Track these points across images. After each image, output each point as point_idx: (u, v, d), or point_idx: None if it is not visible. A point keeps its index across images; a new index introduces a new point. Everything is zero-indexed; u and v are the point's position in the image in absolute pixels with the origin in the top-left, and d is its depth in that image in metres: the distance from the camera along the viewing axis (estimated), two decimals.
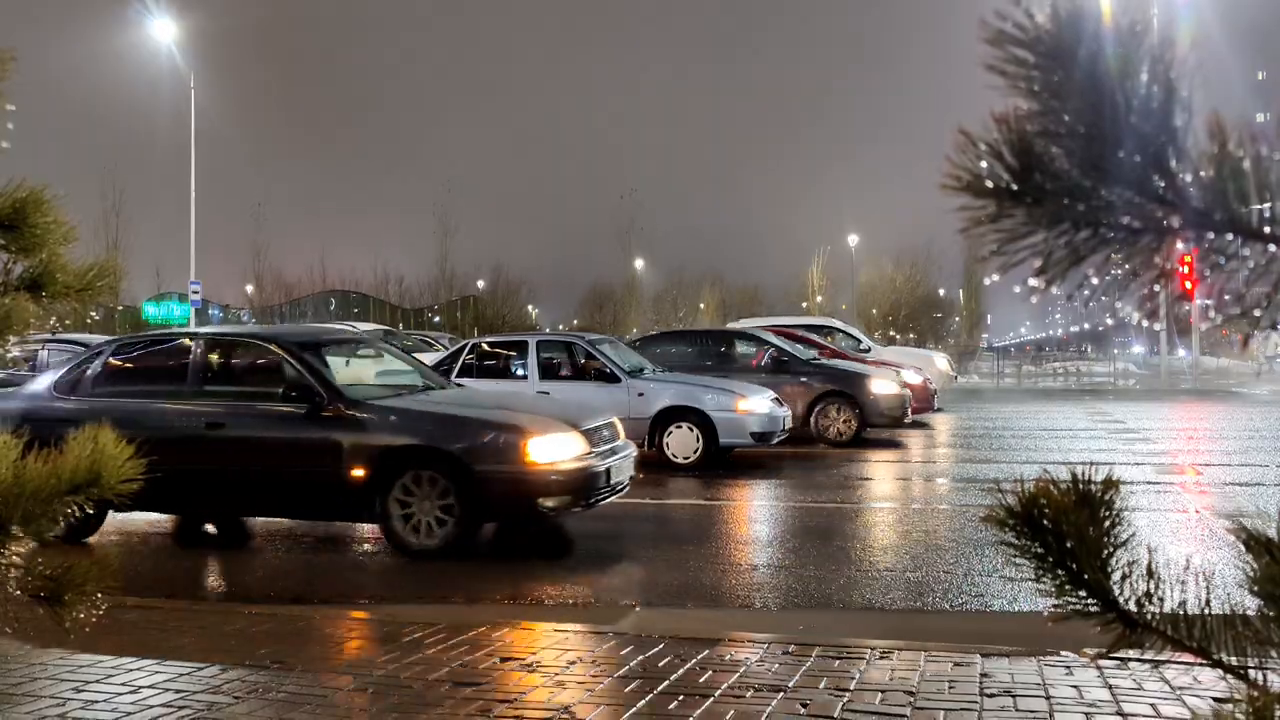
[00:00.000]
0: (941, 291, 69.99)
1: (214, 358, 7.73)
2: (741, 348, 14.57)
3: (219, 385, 7.58)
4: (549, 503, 6.62)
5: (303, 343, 7.50)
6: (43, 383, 7.84)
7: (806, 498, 9.24)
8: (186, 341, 7.84)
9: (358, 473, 6.69)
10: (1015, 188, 0.90)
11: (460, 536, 6.59)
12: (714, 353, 14.46)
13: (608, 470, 6.95)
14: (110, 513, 7.52)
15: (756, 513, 8.86)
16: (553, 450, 6.64)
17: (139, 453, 8.55)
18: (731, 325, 21.21)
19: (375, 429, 6.80)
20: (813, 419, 13.54)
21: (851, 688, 3.68)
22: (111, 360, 7.95)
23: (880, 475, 11.00)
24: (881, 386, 13.77)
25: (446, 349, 16.76)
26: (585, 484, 6.73)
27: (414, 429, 6.78)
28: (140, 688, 3.78)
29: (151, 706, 3.58)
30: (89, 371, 7.74)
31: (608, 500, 7.21)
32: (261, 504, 7.28)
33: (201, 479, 7.03)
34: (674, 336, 16.30)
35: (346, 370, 7.78)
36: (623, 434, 7.77)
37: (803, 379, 13.72)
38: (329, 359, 7.53)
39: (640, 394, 11.37)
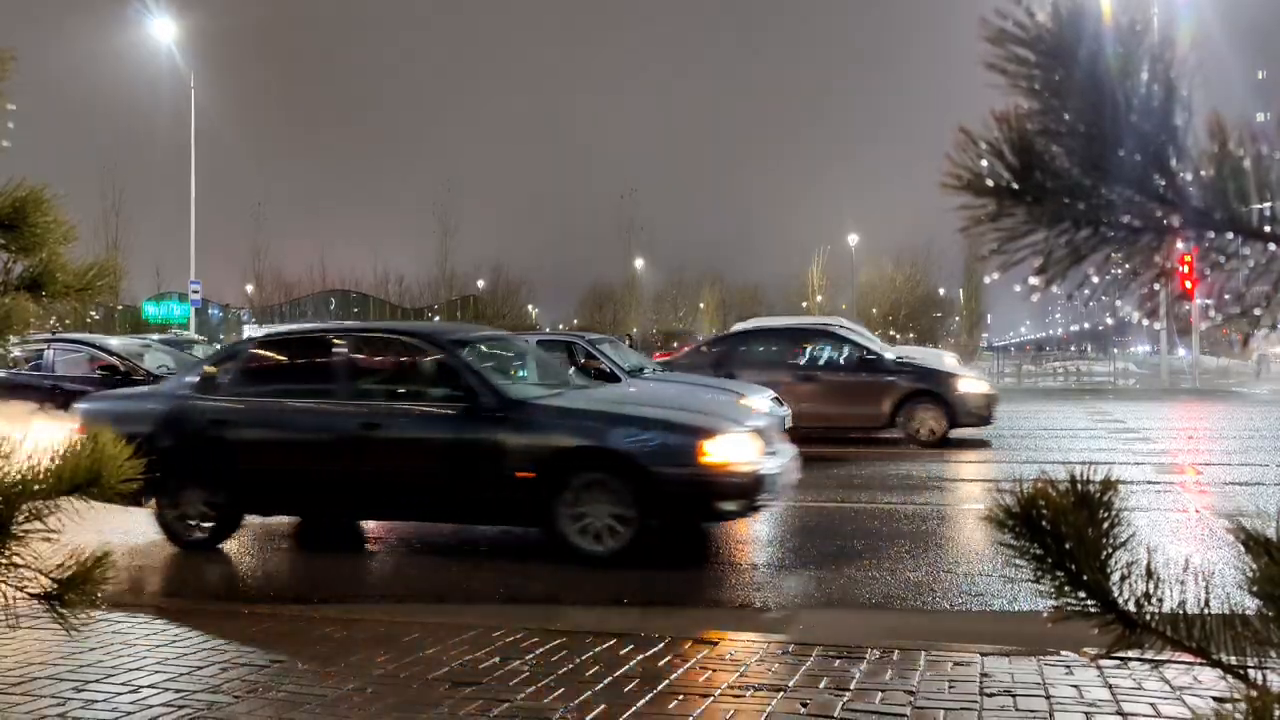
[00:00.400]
0: (941, 291, 69.97)
1: (363, 355, 7.41)
2: (826, 346, 14.28)
3: (370, 384, 7.25)
4: (728, 506, 6.31)
5: (458, 339, 7.17)
6: (182, 381, 7.59)
7: (806, 497, 9.22)
8: (332, 338, 7.55)
9: (525, 475, 6.34)
10: (1016, 186, 0.90)
11: (636, 541, 6.25)
12: (796, 350, 14.15)
13: (779, 472, 6.67)
14: (249, 517, 7.41)
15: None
16: (730, 451, 6.29)
17: (292, 453, 7.47)
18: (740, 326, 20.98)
19: (541, 429, 6.47)
20: (900, 418, 13.24)
21: (851, 687, 3.68)
22: (254, 357, 7.74)
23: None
24: (969, 385, 13.58)
25: None
26: (760, 486, 6.37)
27: (583, 429, 6.45)
28: (140, 687, 3.77)
29: (151, 706, 3.58)
30: (231, 369, 7.48)
31: (774, 504, 6.80)
32: (420, 508, 6.90)
33: (356, 482, 6.76)
34: (755, 335, 15.67)
35: (498, 367, 7.44)
36: (783, 434, 7.29)
37: (889, 377, 13.41)
38: (483, 356, 7.21)
39: None
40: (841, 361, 13.89)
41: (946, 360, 20.56)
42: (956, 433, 13.33)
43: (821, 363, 13.93)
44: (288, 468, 6.95)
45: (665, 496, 6.21)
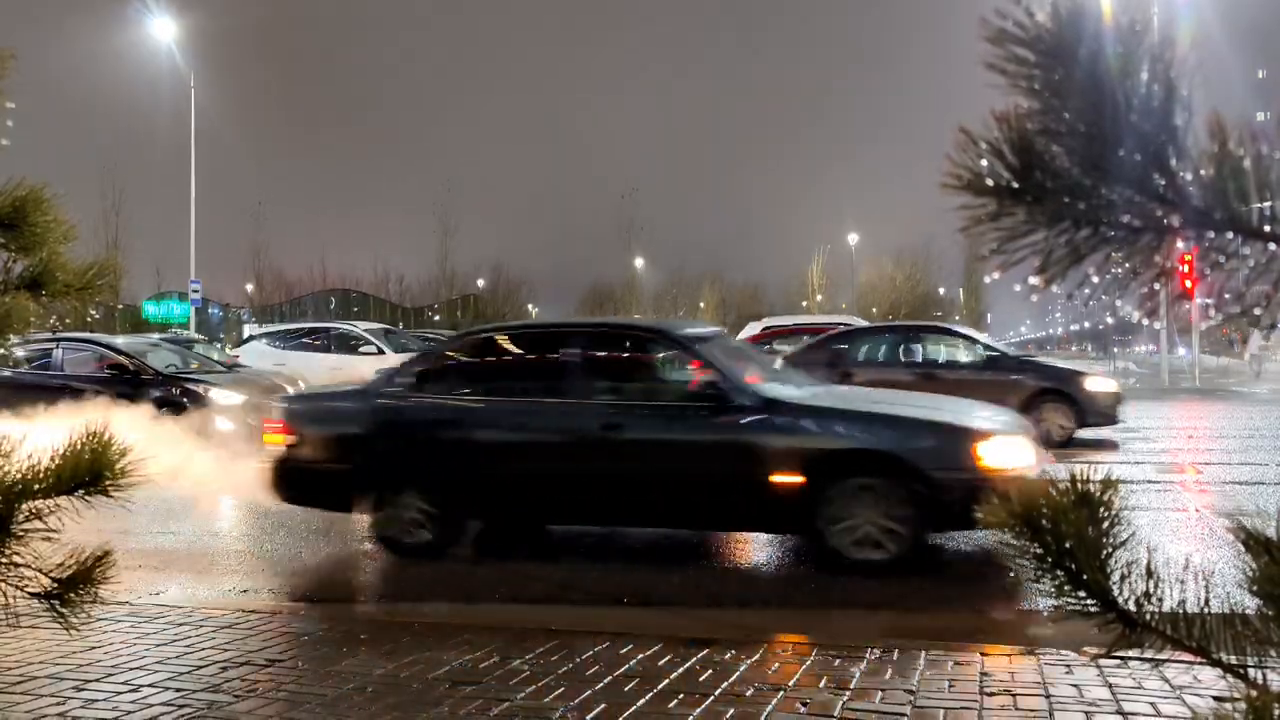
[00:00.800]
0: (941, 290, 70.11)
1: (591, 352, 6.96)
2: (945, 344, 14.04)
3: (604, 382, 6.82)
4: None
5: (698, 334, 6.83)
6: (392, 379, 7.09)
7: None
8: (555, 335, 7.28)
9: (787, 478, 5.94)
10: (1016, 186, 0.90)
11: (912, 548, 5.89)
12: (919, 350, 13.82)
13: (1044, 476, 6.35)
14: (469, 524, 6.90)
15: None
16: (1005, 454, 5.95)
17: (526, 455, 7.12)
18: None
19: (803, 430, 6.14)
20: (1027, 417, 13.01)
21: (852, 686, 3.68)
22: (470, 354, 7.46)
23: None
24: (1097, 384, 13.37)
25: None
26: None
27: (850, 430, 6.13)
28: (140, 687, 3.77)
29: (151, 706, 3.58)
30: (446, 367, 7.23)
31: None
32: (666, 513, 6.43)
33: (596, 486, 6.38)
34: (870, 333, 15.18)
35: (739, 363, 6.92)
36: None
37: (1014, 376, 13.05)
38: (725, 351, 6.77)
39: None
40: (964, 360, 13.62)
41: None
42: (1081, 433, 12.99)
43: (942, 361, 13.66)
44: (521, 470, 6.53)
45: (940, 502, 5.79)
